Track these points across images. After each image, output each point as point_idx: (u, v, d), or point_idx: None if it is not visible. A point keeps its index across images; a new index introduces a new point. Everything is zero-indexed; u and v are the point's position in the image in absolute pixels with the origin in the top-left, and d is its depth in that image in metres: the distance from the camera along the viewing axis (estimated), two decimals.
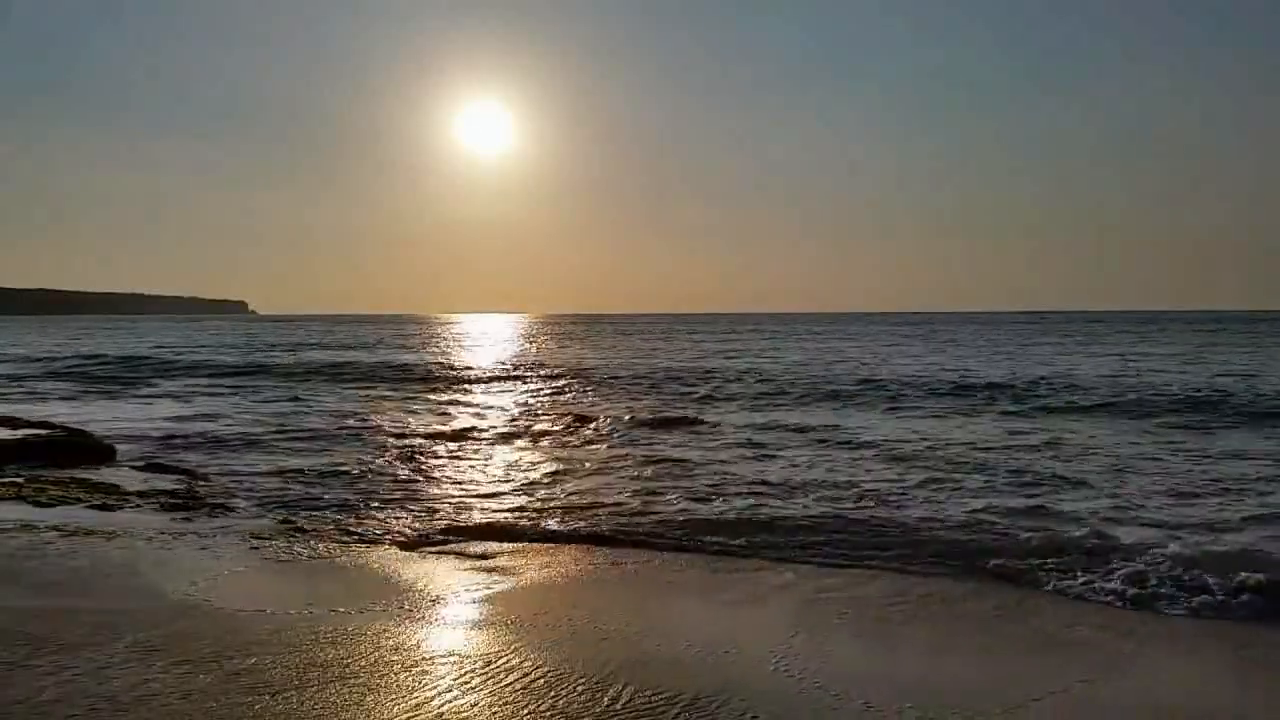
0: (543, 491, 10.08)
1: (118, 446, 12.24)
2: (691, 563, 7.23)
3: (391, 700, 4.10)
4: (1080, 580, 6.57)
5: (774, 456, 12.64)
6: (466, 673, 4.48)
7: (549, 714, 4.02)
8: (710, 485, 10.32)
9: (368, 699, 4.10)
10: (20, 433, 12.23)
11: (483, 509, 9.13)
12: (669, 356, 38.77)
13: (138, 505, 8.75)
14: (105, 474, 10.44)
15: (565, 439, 14.76)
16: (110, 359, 37.81)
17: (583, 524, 8.41)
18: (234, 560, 6.75)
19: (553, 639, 5.07)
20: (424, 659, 4.67)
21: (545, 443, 14.34)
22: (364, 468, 11.59)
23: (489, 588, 6.29)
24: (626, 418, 17.05)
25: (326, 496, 9.70)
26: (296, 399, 21.56)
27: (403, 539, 7.74)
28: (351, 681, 4.29)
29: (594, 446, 13.88)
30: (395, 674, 4.42)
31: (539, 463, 12.22)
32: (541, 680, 4.40)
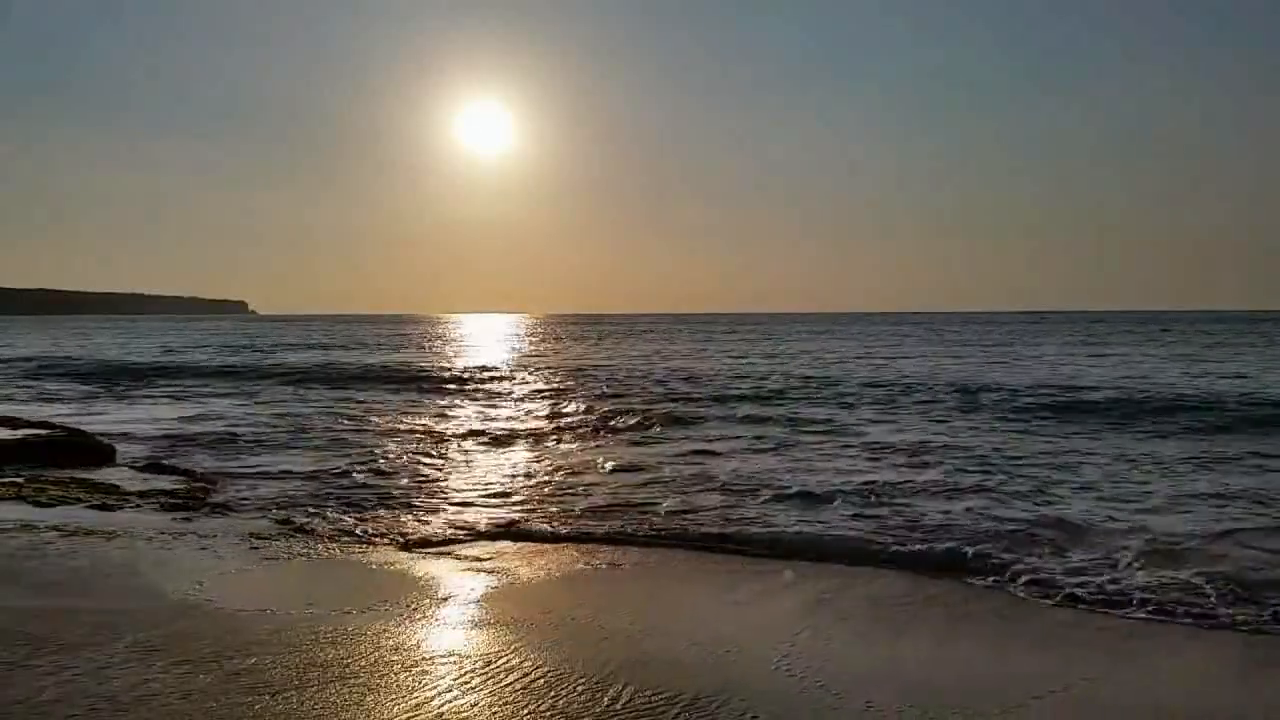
0: (543, 492, 10.07)
1: (117, 447, 12.24)
2: (692, 562, 7.23)
3: (391, 700, 4.09)
4: (1081, 581, 6.57)
5: (775, 457, 12.64)
6: (466, 673, 4.48)
7: (549, 714, 4.02)
8: (711, 485, 10.32)
9: (368, 699, 4.10)
10: (20, 433, 12.23)
11: (483, 509, 9.13)
12: (670, 357, 38.77)
13: (138, 505, 8.75)
14: (105, 474, 10.44)
15: (565, 439, 14.76)
16: (110, 359, 37.81)
17: (582, 524, 8.41)
18: (234, 560, 6.75)
19: (553, 639, 5.07)
20: (424, 659, 4.67)
21: (545, 443, 14.34)
22: (364, 468, 11.58)
23: (489, 588, 6.29)
24: (627, 418, 17.05)
25: (327, 497, 9.70)
26: (296, 400, 21.56)
27: (402, 539, 7.74)
28: (351, 681, 4.29)
29: (594, 447, 13.88)
30: (395, 674, 4.42)
31: (539, 463, 12.22)
32: (541, 680, 4.40)
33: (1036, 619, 5.79)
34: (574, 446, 13.90)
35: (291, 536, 7.70)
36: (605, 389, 23.05)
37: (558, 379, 26.35)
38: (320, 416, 17.87)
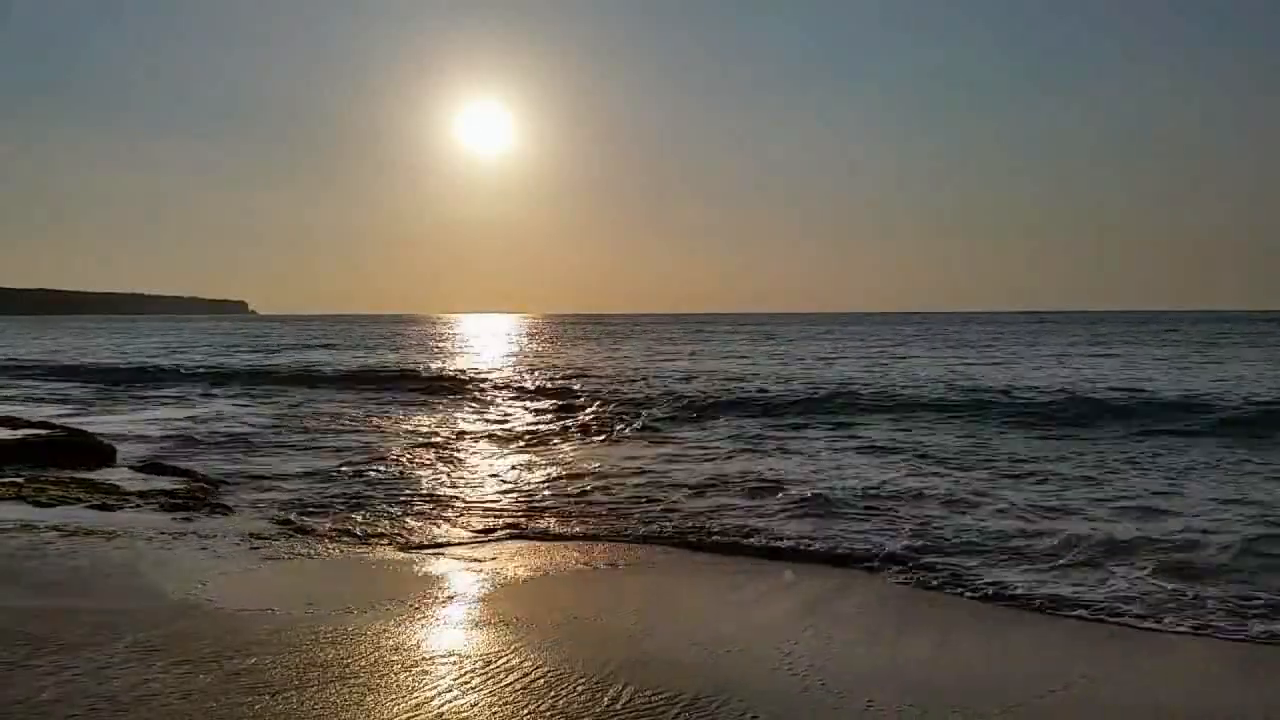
0: (543, 492, 10.07)
1: (118, 447, 12.23)
2: (692, 562, 7.23)
3: (391, 700, 4.10)
4: (1082, 581, 6.57)
5: (777, 458, 12.64)
6: (466, 673, 4.48)
7: (549, 714, 4.02)
8: (712, 486, 10.32)
9: (368, 699, 4.10)
10: (20, 433, 12.23)
11: (482, 509, 9.13)
12: (671, 358, 38.76)
13: (138, 505, 8.75)
14: (105, 474, 10.43)
15: (565, 440, 14.76)
16: (110, 360, 37.82)
17: (582, 524, 8.42)
18: (234, 560, 6.74)
19: (553, 639, 5.07)
20: (424, 659, 4.67)
21: (545, 444, 14.34)
22: (364, 469, 11.59)
23: (489, 588, 6.29)
24: (627, 419, 17.05)
25: (327, 497, 9.70)
26: (295, 401, 21.56)
27: (402, 539, 7.74)
28: (351, 681, 4.29)
29: (594, 448, 13.88)
30: (395, 674, 4.42)
31: (539, 463, 12.22)
32: (541, 680, 4.40)
33: (1037, 618, 5.79)
34: (574, 447, 13.90)
35: (292, 536, 7.70)
36: (605, 390, 23.04)
37: (558, 380, 26.34)
38: (320, 417, 17.86)
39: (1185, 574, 6.62)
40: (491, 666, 4.57)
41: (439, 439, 14.70)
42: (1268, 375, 24.75)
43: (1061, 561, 7.05)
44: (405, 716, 3.94)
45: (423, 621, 5.40)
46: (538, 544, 7.71)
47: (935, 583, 6.55)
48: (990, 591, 6.31)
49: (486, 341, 61.24)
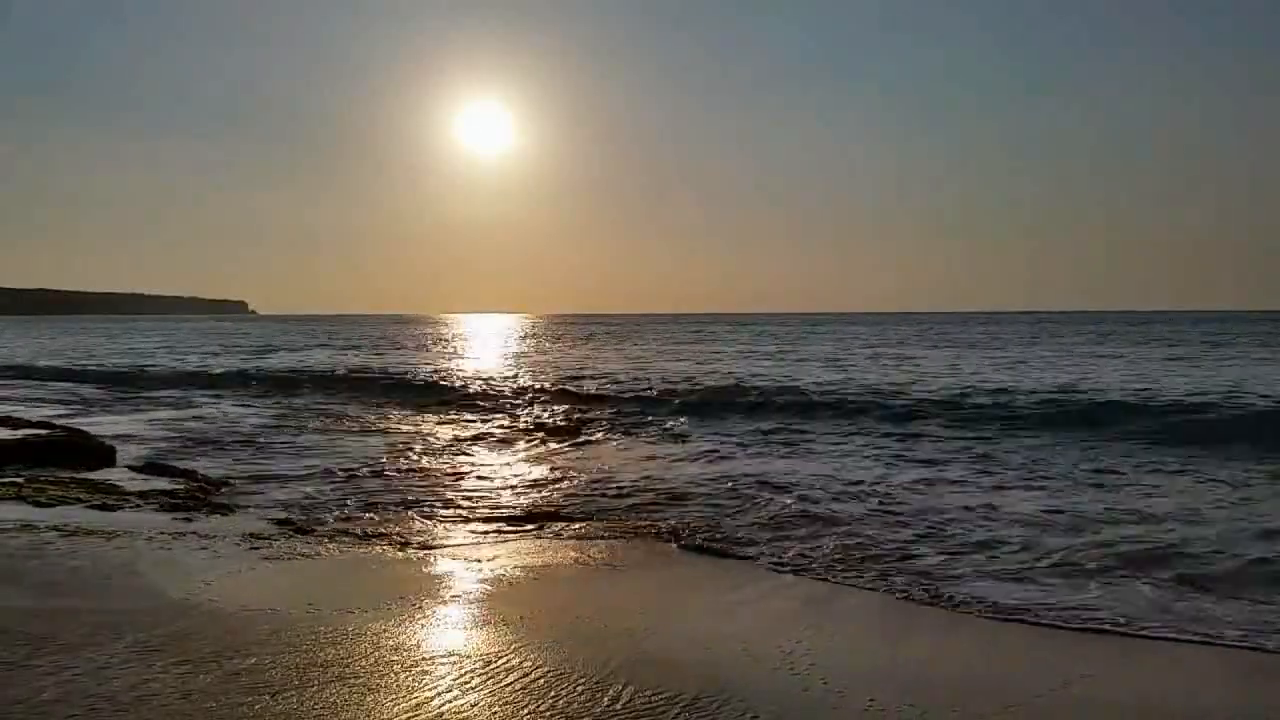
0: (543, 492, 10.07)
1: (117, 447, 12.23)
2: (693, 562, 7.23)
3: (391, 700, 4.09)
4: (1082, 581, 6.58)
5: (783, 459, 12.64)
6: (466, 673, 4.48)
7: (549, 714, 4.02)
8: (715, 486, 10.33)
9: (368, 699, 4.10)
10: (20, 433, 12.23)
11: (483, 509, 9.12)
12: (673, 358, 38.75)
13: (138, 505, 8.75)
14: (105, 474, 10.43)
15: (567, 440, 14.76)
16: (110, 361, 37.81)
17: (583, 524, 8.41)
18: (234, 560, 6.74)
19: (553, 639, 5.06)
20: (424, 659, 4.67)
21: (546, 445, 14.34)
22: (363, 469, 11.59)
23: (489, 588, 6.29)
24: (630, 419, 17.05)
25: (326, 497, 9.70)
26: (295, 401, 21.56)
27: (402, 539, 7.74)
28: (351, 681, 4.29)
29: (596, 448, 13.88)
30: (395, 674, 4.42)
31: (540, 464, 12.22)
32: (541, 680, 4.40)
33: (1036, 618, 5.78)
34: (575, 447, 13.90)
35: (291, 536, 7.70)
36: (607, 390, 23.03)
37: (560, 380, 26.33)
38: (320, 418, 17.87)
39: (1189, 581, 6.58)
40: (491, 666, 4.57)
41: (439, 439, 14.70)
42: None
43: (1066, 560, 7.05)
44: (405, 716, 3.94)
45: (423, 621, 5.40)
46: (538, 544, 7.71)
47: (936, 585, 6.55)
48: (991, 591, 6.31)
49: (487, 342, 61.25)
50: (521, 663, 4.63)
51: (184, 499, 9.22)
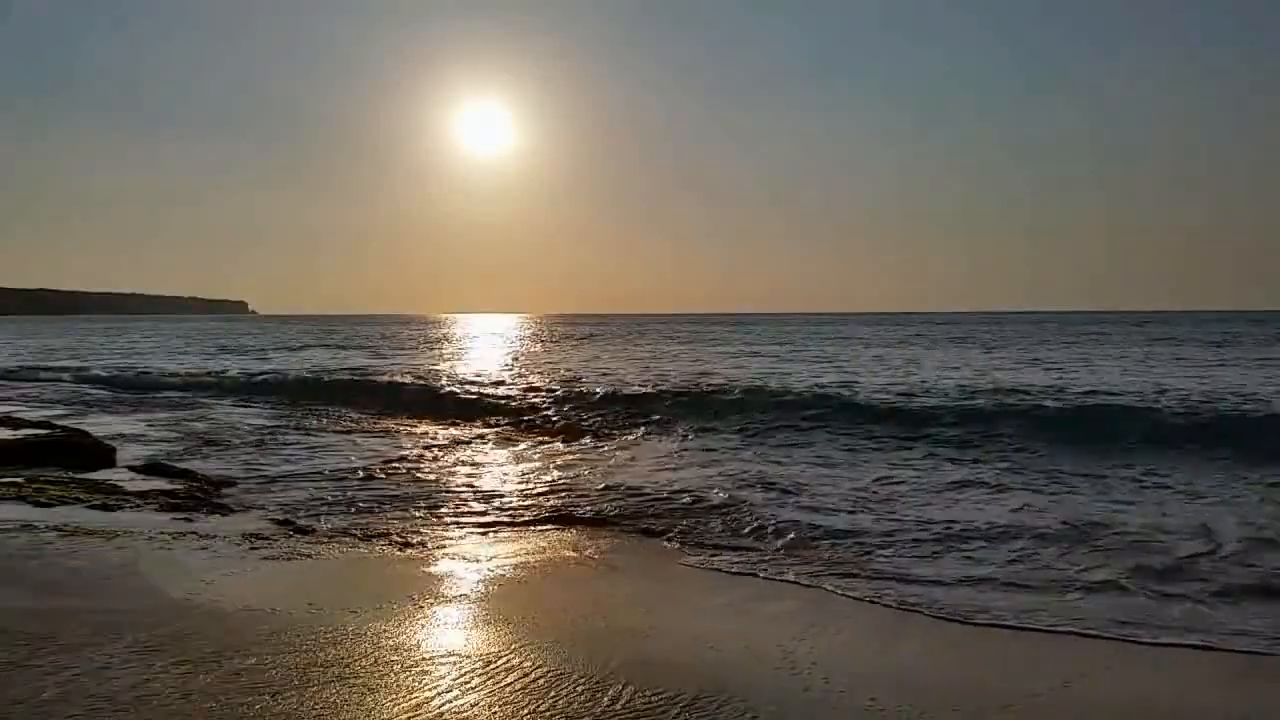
0: (544, 492, 10.07)
1: (117, 447, 12.23)
2: (693, 562, 7.23)
3: (391, 700, 4.09)
4: (1083, 581, 6.58)
5: (779, 460, 12.64)
6: (466, 673, 4.48)
7: (549, 714, 4.02)
8: (714, 486, 10.33)
9: (368, 699, 4.10)
10: (20, 433, 12.24)
11: (483, 510, 9.13)
12: (673, 359, 38.74)
13: (138, 505, 8.75)
14: (105, 474, 10.44)
15: (568, 440, 14.76)
16: (110, 361, 37.82)
17: (584, 524, 8.42)
18: (234, 560, 6.75)
19: (553, 639, 5.07)
20: (424, 659, 4.67)
21: (546, 446, 14.34)
22: (363, 470, 11.59)
23: (489, 588, 6.29)
24: (633, 419, 17.05)
25: (326, 497, 9.70)
26: (295, 402, 21.56)
27: (402, 539, 7.74)
28: (351, 681, 4.29)
29: (598, 448, 13.88)
30: (395, 674, 4.42)
31: (541, 464, 12.22)
32: (541, 680, 4.40)
33: (1035, 617, 5.78)
34: (577, 447, 13.90)
35: (292, 536, 7.70)
36: (610, 390, 23.03)
37: (560, 381, 26.33)
38: (319, 419, 17.87)
39: (1194, 587, 6.57)
40: (491, 666, 4.57)
41: (439, 440, 14.70)
42: None
43: (1067, 562, 7.05)
44: (405, 716, 3.94)
45: (423, 621, 5.40)
46: (538, 544, 7.71)
47: (937, 587, 6.55)
48: (992, 590, 6.31)
49: (486, 342, 61.24)
50: (521, 663, 4.63)
51: (184, 499, 9.22)
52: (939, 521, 8.40)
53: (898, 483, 10.48)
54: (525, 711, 4.03)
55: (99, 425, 15.49)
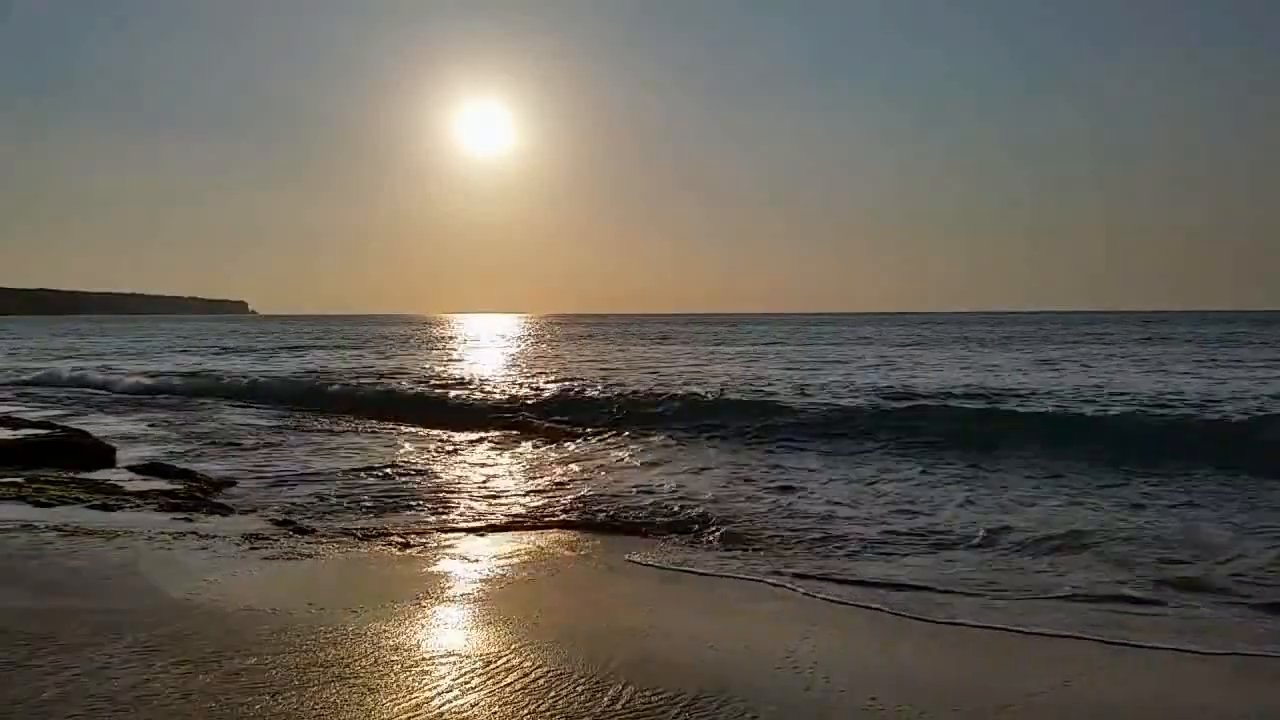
0: (543, 493, 10.07)
1: (117, 448, 12.24)
2: (693, 562, 7.23)
3: (391, 700, 4.09)
4: (1082, 583, 6.58)
5: (780, 461, 12.65)
6: (466, 673, 4.48)
7: (549, 714, 4.01)
8: (714, 486, 10.33)
9: (368, 699, 4.09)
10: (20, 433, 12.24)
11: (482, 510, 9.13)
12: (673, 359, 38.75)
13: (138, 505, 8.75)
14: (105, 474, 10.44)
15: (569, 440, 14.76)
16: (110, 361, 37.82)
17: (584, 524, 8.42)
18: (234, 560, 6.75)
19: (553, 639, 5.06)
20: (424, 659, 4.67)
21: (546, 446, 14.34)
22: (365, 470, 11.59)
23: (489, 588, 6.29)
24: (636, 419, 17.04)
25: (326, 497, 9.71)
26: (295, 402, 21.56)
27: (402, 539, 7.74)
28: (351, 681, 4.29)
29: (599, 448, 13.88)
30: (395, 674, 4.42)
31: (540, 465, 12.22)
32: (541, 680, 4.40)
33: (1034, 617, 5.79)
34: (578, 447, 13.90)
35: (291, 536, 7.70)
36: (612, 390, 23.02)
37: (561, 382, 26.32)
38: (319, 420, 17.87)
39: (1194, 588, 6.56)
40: (491, 666, 4.57)
41: (439, 440, 14.70)
42: None
43: (1068, 562, 7.06)
44: (405, 716, 3.94)
45: (423, 621, 5.40)
46: (538, 544, 7.72)
47: (938, 588, 6.55)
48: (991, 590, 6.31)
49: (487, 342, 61.24)
50: (521, 663, 4.63)
51: (184, 499, 9.22)
52: (938, 523, 8.41)
53: (897, 483, 10.48)
54: (525, 711, 4.03)
55: (99, 425, 15.50)
